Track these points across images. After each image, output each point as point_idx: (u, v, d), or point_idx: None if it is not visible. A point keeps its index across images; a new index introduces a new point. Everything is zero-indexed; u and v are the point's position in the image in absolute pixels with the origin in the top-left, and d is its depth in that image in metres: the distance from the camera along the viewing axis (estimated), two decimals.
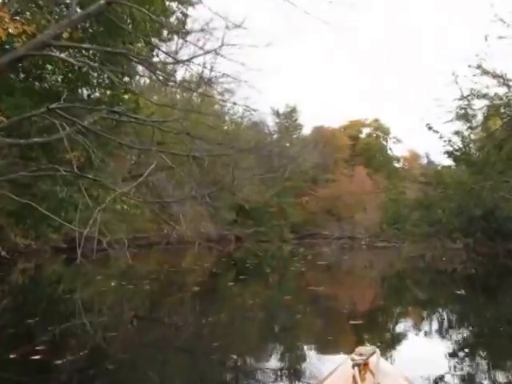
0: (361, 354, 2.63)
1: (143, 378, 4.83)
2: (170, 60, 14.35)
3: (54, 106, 12.07)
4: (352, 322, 7.40)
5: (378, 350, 2.72)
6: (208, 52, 13.53)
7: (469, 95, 19.29)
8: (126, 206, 16.67)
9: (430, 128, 18.84)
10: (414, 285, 13.82)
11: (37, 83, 16.55)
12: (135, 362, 5.46)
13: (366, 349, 2.72)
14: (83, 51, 13.43)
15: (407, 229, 20.55)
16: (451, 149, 19.17)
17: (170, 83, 15.46)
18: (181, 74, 33.35)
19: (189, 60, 13.42)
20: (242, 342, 6.61)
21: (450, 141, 19.14)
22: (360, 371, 2.50)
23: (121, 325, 7.63)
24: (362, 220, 39.99)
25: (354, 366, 2.52)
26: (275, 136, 45.29)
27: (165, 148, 13.55)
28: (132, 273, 14.81)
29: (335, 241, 38.67)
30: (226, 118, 37.58)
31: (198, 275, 14.79)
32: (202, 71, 14.67)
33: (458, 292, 11.45)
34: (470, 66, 18.36)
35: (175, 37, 17.84)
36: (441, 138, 19.02)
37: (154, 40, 15.82)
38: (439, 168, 20.82)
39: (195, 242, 14.38)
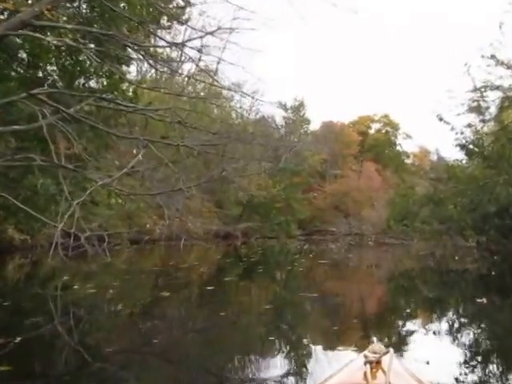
0: (374, 352, 2.63)
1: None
2: (163, 44, 13.20)
3: (35, 91, 11.08)
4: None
5: (392, 349, 2.67)
6: (204, 35, 12.45)
7: (482, 87, 18.15)
8: (120, 201, 15.72)
9: (440, 119, 17.68)
10: (423, 285, 12.86)
11: (31, 71, 15.73)
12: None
13: (381, 347, 2.70)
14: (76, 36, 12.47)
15: (416, 226, 19.17)
16: (464, 141, 17.97)
17: (166, 69, 14.33)
18: (187, 67, 32.74)
19: (183, 43, 12.35)
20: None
21: (462, 133, 17.96)
22: (372, 369, 2.47)
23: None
24: (369, 216, 38.98)
25: (366, 363, 2.51)
26: (282, 130, 44.16)
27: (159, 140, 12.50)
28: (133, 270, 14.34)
29: (342, 237, 37.62)
30: (233, 114, 36.63)
31: (180, 281, 12.76)
32: (200, 56, 13.51)
33: (472, 294, 10.55)
34: (483, 57, 17.28)
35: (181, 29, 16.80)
36: (452, 129, 17.84)
37: (152, 27, 14.82)
38: (450, 162, 19.53)
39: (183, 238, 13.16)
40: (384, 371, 2.46)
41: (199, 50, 11.52)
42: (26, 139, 12.77)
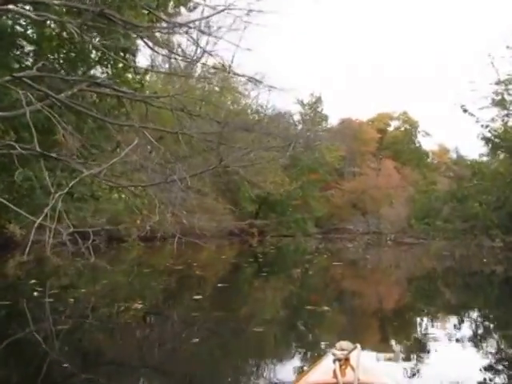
0: (342, 349, 2.63)
1: None
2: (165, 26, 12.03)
3: (21, 74, 10.04)
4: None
5: (359, 345, 2.65)
6: (208, 17, 11.30)
7: (506, 80, 16.72)
8: (123, 196, 14.66)
9: (465, 110, 16.32)
10: (445, 288, 11.74)
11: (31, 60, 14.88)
12: None
13: (348, 344, 2.69)
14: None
15: (438, 224, 17.66)
16: (489, 135, 16.55)
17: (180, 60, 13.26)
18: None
19: (186, 25, 11.17)
20: None
21: (487, 126, 16.52)
22: (341, 366, 2.49)
23: None
24: (388, 215, 37.67)
25: (334, 361, 2.51)
26: (299, 127, 42.98)
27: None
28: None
29: (360, 236, 36.29)
30: (249, 111, 35.50)
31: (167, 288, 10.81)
32: (207, 40, 12.38)
33: (498, 298, 9.87)
34: (508, 47, 15.90)
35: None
36: (477, 122, 16.43)
37: (156, 12, 13.73)
38: (475, 159, 18.05)
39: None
40: (353, 368, 2.44)
41: (201, 31, 10.32)
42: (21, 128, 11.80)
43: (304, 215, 40.38)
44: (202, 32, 10.77)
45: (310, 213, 41.07)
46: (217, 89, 31.83)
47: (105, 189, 10.18)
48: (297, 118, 43.43)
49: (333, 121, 50.37)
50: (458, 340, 5.68)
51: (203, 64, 18.62)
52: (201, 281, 11.82)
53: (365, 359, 2.62)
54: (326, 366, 2.57)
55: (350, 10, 78.97)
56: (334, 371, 2.42)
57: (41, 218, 7.57)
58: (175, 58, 12.60)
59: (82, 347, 5.50)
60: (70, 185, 7.89)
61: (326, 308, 7.40)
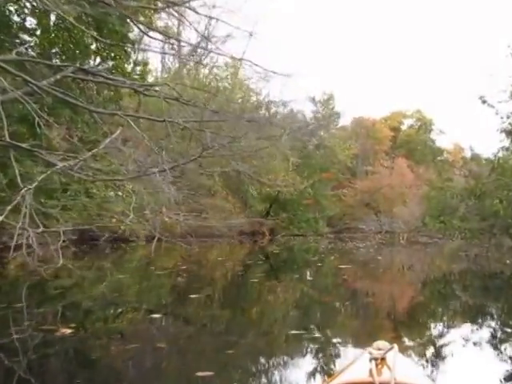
0: (379, 349, 2.60)
1: None
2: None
3: None
4: None
5: (396, 345, 2.65)
6: None
7: None
8: (120, 193, 13.69)
9: (484, 101, 15.09)
10: (462, 291, 10.77)
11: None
12: None
13: (385, 343, 2.67)
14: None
15: (455, 223, 16.37)
16: (510, 127, 15.25)
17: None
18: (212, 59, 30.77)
19: (182, 4, 10.13)
20: None
21: (508, 117, 15.25)
22: (377, 365, 2.43)
23: None
24: (401, 214, 36.50)
25: (371, 360, 2.47)
26: (312, 125, 41.83)
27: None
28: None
29: (373, 235, 35.09)
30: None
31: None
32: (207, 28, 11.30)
33: None
34: None
35: None
36: (497, 114, 15.18)
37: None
38: (494, 153, 16.69)
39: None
40: (389, 367, 2.41)
41: (196, 11, 9.26)
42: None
43: (315, 214, 39.39)
44: (197, 13, 9.71)
45: (321, 212, 40.02)
46: (227, 85, 30.90)
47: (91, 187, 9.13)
48: (309, 115, 42.29)
49: (346, 119, 49.35)
50: (475, 344, 5.46)
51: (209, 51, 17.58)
52: (207, 283, 10.75)
53: (402, 360, 2.64)
54: (362, 365, 2.52)
55: (362, 8, 77.60)
56: (370, 370, 2.37)
57: (3, 216, 6.58)
58: (171, 43, 11.53)
59: None
60: (40, 179, 6.86)
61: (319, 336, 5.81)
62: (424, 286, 11.82)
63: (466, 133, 65.47)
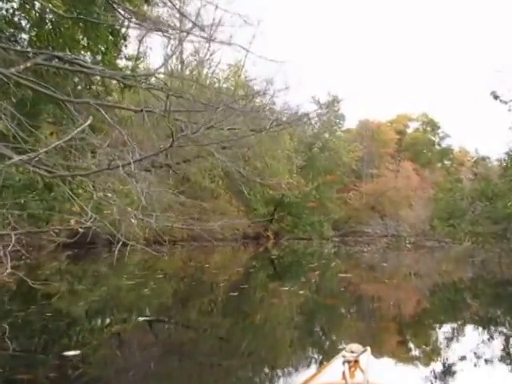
0: (352, 352, 2.61)
1: None
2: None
3: None
4: None
5: (369, 348, 2.64)
6: None
7: None
8: (109, 194, 12.58)
9: (496, 97, 13.94)
10: (472, 300, 9.81)
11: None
12: None
13: (358, 346, 2.68)
14: None
15: (464, 226, 15.12)
16: None
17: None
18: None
19: None
20: None
21: None
22: (350, 368, 2.45)
23: None
24: (407, 217, 35.39)
25: (344, 363, 2.49)
26: (317, 126, 40.70)
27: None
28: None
29: (378, 239, 33.91)
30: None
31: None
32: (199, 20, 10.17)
33: None
34: None
35: None
36: (509, 110, 13.99)
37: None
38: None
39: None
40: (362, 370, 2.41)
41: None
42: None
43: (320, 218, 38.31)
44: None
45: (326, 215, 38.98)
46: (229, 86, 29.84)
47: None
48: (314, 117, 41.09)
49: (351, 122, 48.33)
50: (486, 360, 4.92)
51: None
52: (208, 293, 9.90)
53: (375, 362, 2.64)
54: (336, 367, 2.52)
55: (369, 11, 76.46)
56: (343, 373, 2.37)
57: None
58: (160, 30, 10.44)
59: None
60: None
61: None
62: (432, 295, 10.76)
63: (472, 136, 64.13)
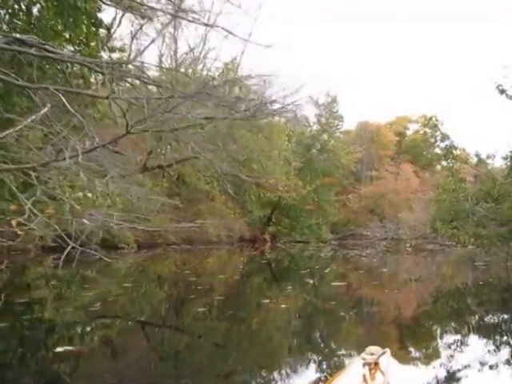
0: (371, 354, 2.57)
1: None
2: None
3: None
4: None
5: (388, 350, 2.61)
6: None
7: None
8: (90, 194, 11.66)
9: (502, 91, 13.02)
10: (477, 307, 9.08)
11: None
12: None
13: (377, 348, 2.63)
14: None
15: (468, 228, 14.20)
16: None
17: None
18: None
19: None
20: None
21: None
22: (370, 370, 2.40)
23: None
24: (407, 220, 34.44)
25: (364, 365, 2.44)
26: (315, 127, 39.87)
27: None
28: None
29: (378, 242, 33.01)
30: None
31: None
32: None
33: None
34: None
35: None
36: None
37: None
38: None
39: None
40: (382, 372, 2.38)
41: None
42: None
43: (318, 220, 37.61)
44: None
45: (324, 218, 38.30)
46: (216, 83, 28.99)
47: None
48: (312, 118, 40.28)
49: (350, 123, 47.47)
50: (491, 367, 4.72)
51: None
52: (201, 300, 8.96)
53: (395, 364, 2.61)
54: (356, 370, 2.48)
55: (369, 12, 75.61)
56: (364, 375, 2.33)
57: None
58: (138, 12, 9.57)
59: None
60: None
61: None
62: (436, 300, 9.90)
63: (474, 136, 63.10)
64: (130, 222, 6.67)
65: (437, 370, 4.59)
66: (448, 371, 4.58)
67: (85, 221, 5.16)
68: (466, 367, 4.72)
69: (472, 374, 4.56)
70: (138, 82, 8.79)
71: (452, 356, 5.21)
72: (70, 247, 4.94)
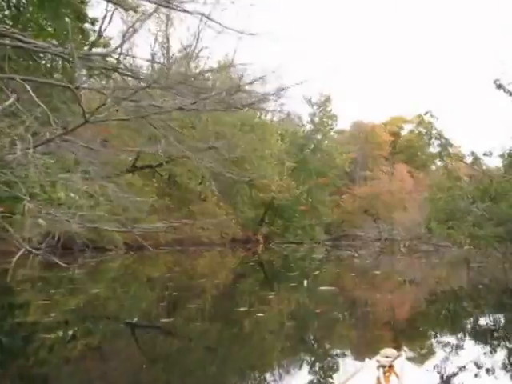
0: (386, 356, 2.61)
1: None
2: None
3: None
4: None
5: (403, 353, 2.68)
6: None
7: None
8: (72, 194, 11.17)
9: (499, 86, 12.60)
10: (474, 309, 8.89)
11: None
12: None
13: (392, 351, 2.67)
14: None
15: (464, 228, 13.73)
16: None
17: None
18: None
19: None
20: None
21: None
22: (385, 373, 2.43)
23: None
24: (401, 221, 34.09)
25: (378, 368, 2.49)
26: (308, 127, 39.35)
27: None
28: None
29: (372, 243, 32.65)
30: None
31: None
32: None
33: None
34: None
35: None
36: None
37: None
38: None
39: None
40: (397, 375, 2.42)
41: None
42: None
43: (312, 221, 37.14)
44: None
45: (318, 219, 37.82)
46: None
47: None
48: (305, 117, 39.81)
49: (344, 123, 47.03)
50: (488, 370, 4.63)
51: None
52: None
53: (409, 367, 2.72)
54: (370, 372, 2.48)
55: (361, 10, 75.50)
56: (378, 378, 2.38)
57: None
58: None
59: None
60: None
61: None
62: (432, 303, 9.55)
63: (469, 134, 62.59)
64: (113, 222, 6.20)
65: (449, 373, 4.34)
66: (460, 375, 4.38)
67: (40, 221, 4.68)
68: (478, 372, 4.55)
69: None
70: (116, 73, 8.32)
71: (464, 361, 4.96)
72: (22, 251, 4.46)
